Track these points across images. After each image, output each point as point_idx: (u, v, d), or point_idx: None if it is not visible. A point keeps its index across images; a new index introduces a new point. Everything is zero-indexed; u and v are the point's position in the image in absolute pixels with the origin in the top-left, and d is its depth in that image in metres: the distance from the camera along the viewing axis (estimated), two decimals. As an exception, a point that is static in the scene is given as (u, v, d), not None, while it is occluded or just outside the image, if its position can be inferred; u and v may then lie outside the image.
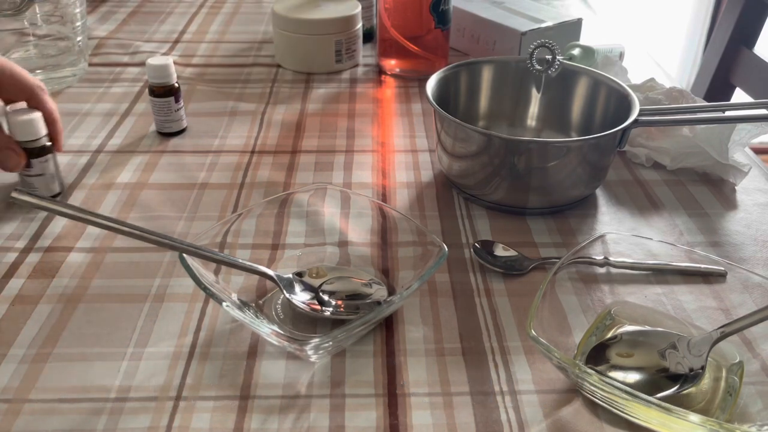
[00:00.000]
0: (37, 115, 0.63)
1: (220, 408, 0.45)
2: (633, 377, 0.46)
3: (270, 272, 0.52)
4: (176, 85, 0.75)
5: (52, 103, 0.64)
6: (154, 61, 0.74)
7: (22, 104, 0.64)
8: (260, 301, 0.53)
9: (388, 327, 0.51)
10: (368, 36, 1.04)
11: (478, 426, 0.44)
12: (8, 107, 0.63)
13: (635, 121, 0.62)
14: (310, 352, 0.46)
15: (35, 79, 0.63)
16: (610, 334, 0.50)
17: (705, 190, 0.69)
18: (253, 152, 0.75)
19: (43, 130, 0.63)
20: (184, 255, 0.48)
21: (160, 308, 0.53)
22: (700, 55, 2.22)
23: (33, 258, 0.58)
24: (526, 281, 0.56)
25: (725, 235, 0.63)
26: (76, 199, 0.66)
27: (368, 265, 0.57)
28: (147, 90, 0.82)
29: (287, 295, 0.52)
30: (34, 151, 0.63)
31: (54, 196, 0.65)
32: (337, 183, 0.70)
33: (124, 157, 0.73)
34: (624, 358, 0.47)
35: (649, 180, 0.71)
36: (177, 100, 0.76)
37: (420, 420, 0.44)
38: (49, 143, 0.64)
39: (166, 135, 0.77)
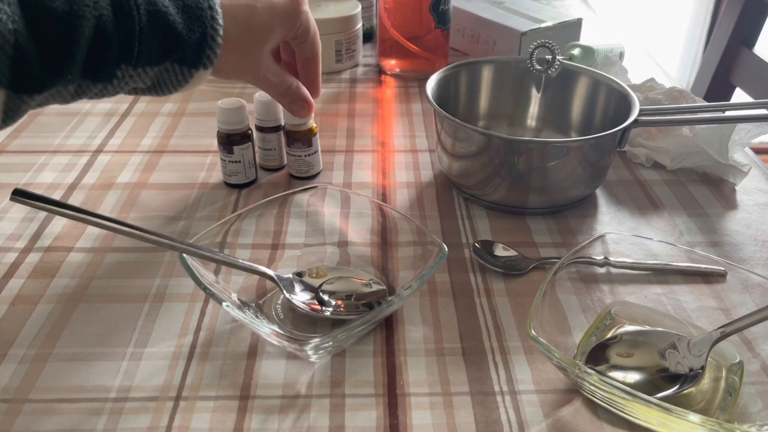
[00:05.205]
0: (243, 104, 0.65)
1: (220, 408, 0.45)
2: (633, 377, 0.46)
3: (270, 272, 0.52)
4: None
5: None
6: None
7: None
8: (260, 301, 0.53)
9: (388, 327, 0.51)
10: (368, 36, 1.04)
11: (478, 426, 0.44)
12: (219, 102, 0.65)
13: (635, 121, 0.62)
14: (310, 352, 0.46)
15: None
16: (610, 334, 0.50)
17: (705, 190, 0.69)
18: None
19: (246, 119, 0.65)
20: (184, 255, 0.48)
21: (160, 308, 0.53)
22: (700, 55, 2.22)
23: (33, 258, 0.58)
24: (526, 281, 0.56)
25: (725, 235, 0.63)
26: (76, 199, 0.66)
27: (368, 265, 0.57)
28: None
29: (287, 295, 0.52)
30: (236, 139, 0.65)
31: (250, 183, 0.68)
32: (337, 183, 0.70)
33: (124, 157, 0.73)
34: (624, 358, 0.47)
35: (649, 180, 0.71)
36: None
37: (420, 420, 0.44)
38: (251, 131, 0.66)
39: (166, 135, 0.77)
